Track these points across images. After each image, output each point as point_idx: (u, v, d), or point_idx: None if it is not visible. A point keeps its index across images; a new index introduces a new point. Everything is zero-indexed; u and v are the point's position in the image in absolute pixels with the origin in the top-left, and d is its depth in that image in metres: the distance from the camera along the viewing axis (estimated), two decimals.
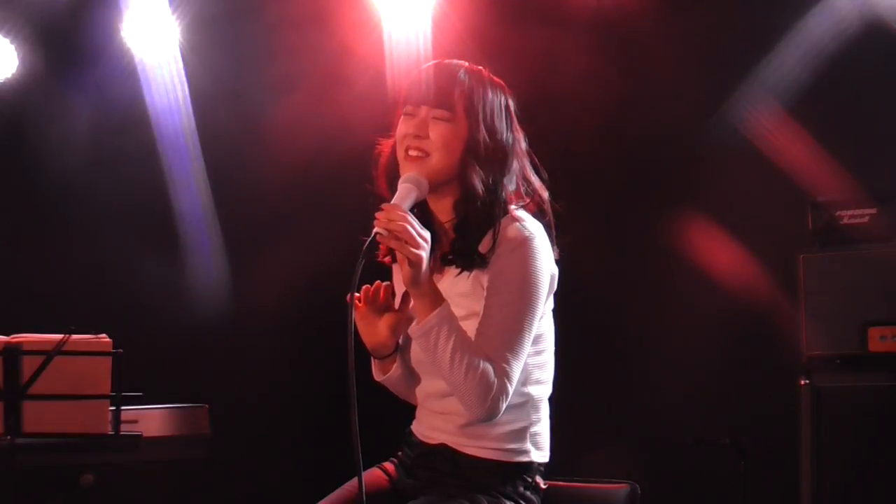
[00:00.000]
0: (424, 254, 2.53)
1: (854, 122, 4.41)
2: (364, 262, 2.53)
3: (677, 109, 4.68)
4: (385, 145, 2.82)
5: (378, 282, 2.76)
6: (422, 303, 2.59)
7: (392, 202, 2.60)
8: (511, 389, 2.61)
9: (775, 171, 4.45)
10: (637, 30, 4.73)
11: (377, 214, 2.54)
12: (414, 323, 2.63)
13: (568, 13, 4.75)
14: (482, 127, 2.71)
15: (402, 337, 2.83)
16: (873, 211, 4.00)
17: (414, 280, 2.55)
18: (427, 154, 2.69)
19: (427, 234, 2.56)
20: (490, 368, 2.58)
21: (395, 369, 2.84)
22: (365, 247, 2.52)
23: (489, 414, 2.61)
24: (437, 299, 2.59)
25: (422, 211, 2.74)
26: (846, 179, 4.21)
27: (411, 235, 2.52)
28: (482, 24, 4.80)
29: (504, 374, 2.59)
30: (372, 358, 2.85)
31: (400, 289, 2.83)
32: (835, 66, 4.41)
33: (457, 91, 2.71)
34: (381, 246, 2.76)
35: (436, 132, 2.70)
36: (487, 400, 2.58)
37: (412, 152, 2.70)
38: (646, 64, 4.76)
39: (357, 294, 2.71)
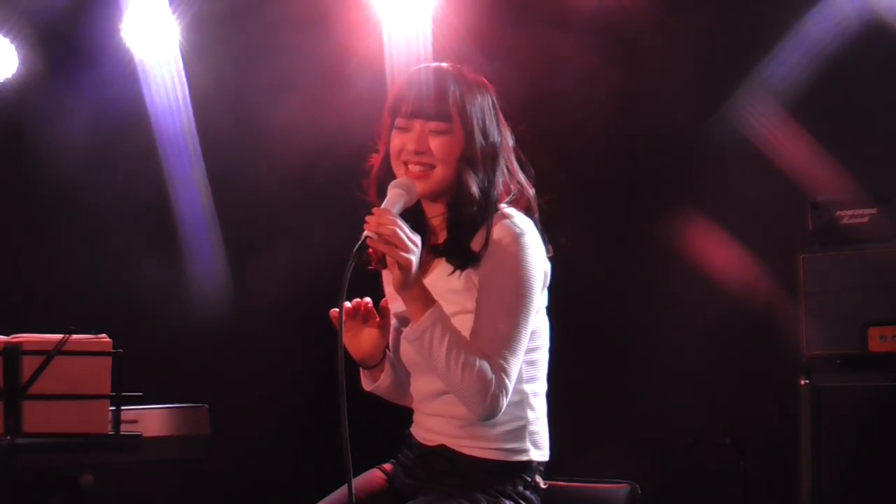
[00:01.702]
0: (414, 258, 2.54)
1: (854, 122, 4.41)
2: (354, 264, 2.53)
3: (677, 109, 4.68)
4: (375, 159, 2.82)
5: (357, 299, 2.76)
6: (413, 306, 2.59)
7: (382, 206, 2.60)
8: (510, 385, 2.61)
9: (775, 171, 4.45)
10: (637, 30, 4.72)
11: (367, 218, 2.55)
12: (408, 326, 2.63)
13: (568, 13, 4.75)
14: (477, 132, 2.72)
15: (390, 341, 2.84)
16: (873, 211, 4.00)
17: (404, 283, 2.55)
18: (431, 167, 2.70)
19: (417, 238, 2.56)
20: (487, 366, 2.58)
21: (384, 378, 2.85)
22: (355, 249, 2.53)
23: (490, 412, 2.60)
24: (427, 301, 2.59)
25: (413, 206, 2.73)
26: (846, 179, 4.21)
27: (401, 239, 2.52)
28: (482, 25, 4.80)
29: (501, 370, 2.59)
30: (360, 369, 2.86)
31: (392, 293, 2.84)
32: (835, 66, 4.40)
33: (450, 100, 2.70)
34: (370, 252, 2.77)
35: (436, 145, 2.70)
36: (487, 398, 2.58)
37: (414, 168, 2.70)
38: (646, 64, 4.76)
39: (346, 304, 2.71)
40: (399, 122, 2.73)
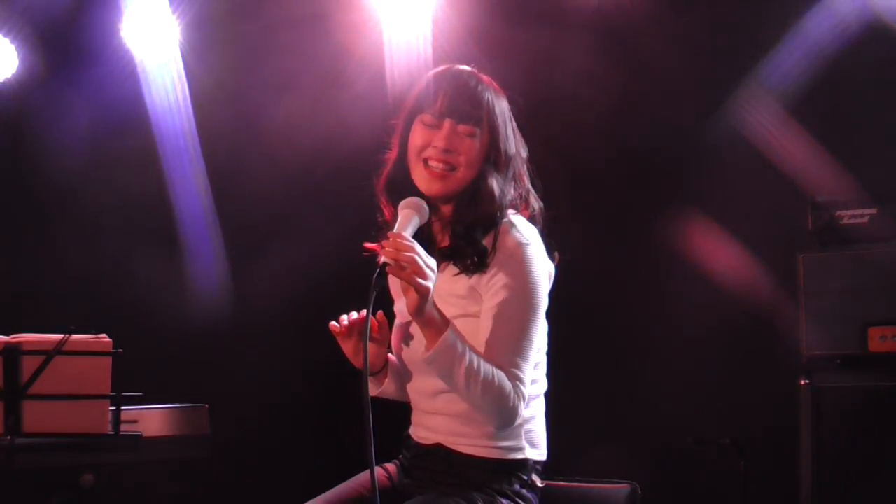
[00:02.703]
0: (431, 284, 2.55)
1: (854, 122, 4.41)
2: (376, 293, 2.53)
3: (677, 109, 4.68)
4: (389, 155, 2.82)
5: (354, 316, 2.75)
6: (428, 330, 2.60)
7: (396, 229, 2.61)
8: (526, 392, 2.64)
9: (775, 171, 4.45)
10: (637, 30, 4.72)
11: (384, 243, 2.55)
12: (423, 349, 2.64)
13: (568, 13, 4.75)
14: (500, 139, 2.74)
15: (393, 340, 2.84)
16: (873, 211, 4.00)
17: (419, 309, 2.56)
18: (454, 168, 2.70)
19: (433, 263, 2.57)
20: (504, 377, 2.61)
21: (388, 384, 2.88)
22: (375, 277, 2.52)
23: (509, 422, 2.66)
24: (442, 325, 2.60)
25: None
26: (846, 179, 4.21)
27: (419, 267, 2.53)
28: (482, 25, 4.80)
29: (517, 380, 2.62)
30: None
31: (396, 290, 2.84)
32: (835, 66, 4.41)
33: (483, 106, 2.72)
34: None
35: (465, 147, 2.71)
36: (506, 410, 2.62)
37: (437, 165, 2.71)
38: (646, 64, 4.76)
39: (344, 318, 2.73)
40: (426, 118, 2.74)
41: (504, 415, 2.62)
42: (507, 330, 2.64)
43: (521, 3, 4.93)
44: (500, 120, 2.74)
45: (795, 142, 4.45)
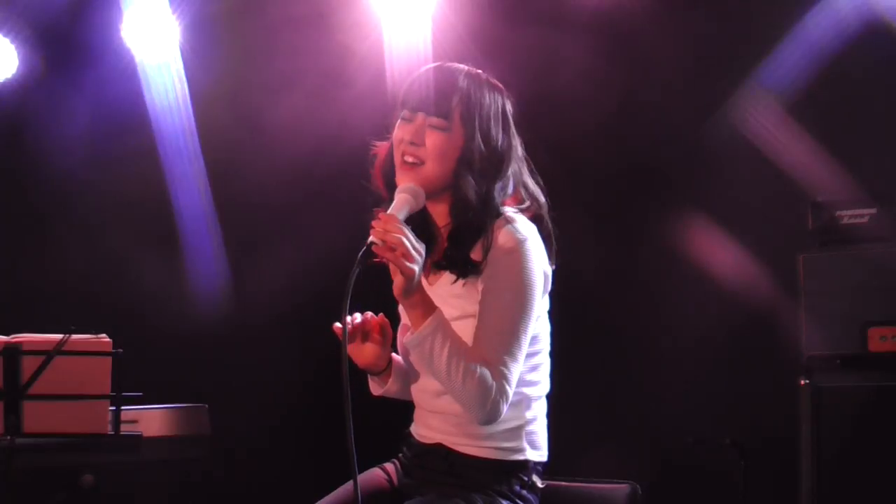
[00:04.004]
0: (417, 267, 2.54)
1: (854, 122, 4.41)
2: (359, 270, 2.53)
3: (677, 109, 4.68)
4: (381, 147, 2.83)
5: (358, 317, 2.75)
6: (413, 313, 2.61)
7: (388, 212, 2.60)
8: (511, 391, 2.62)
9: (775, 171, 4.45)
10: (637, 30, 4.73)
11: (373, 223, 2.55)
12: (408, 333, 2.64)
13: (568, 13, 4.75)
14: (478, 135, 2.71)
15: (398, 340, 2.85)
16: (873, 211, 4.00)
17: (405, 291, 2.56)
18: (422, 162, 2.70)
19: (422, 248, 2.57)
20: (487, 372, 2.59)
21: (392, 384, 2.87)
22: (360, 255, 2.53)
23: (490, 417, 2.62)
24: (428, 308, 2.60)
25: (420, 213, 2.73)
26: (846, 179, 4.21)
27: (406, 248, 2.53)
28: (482, 24, 4.80)
29: (502, 377, 2.60)
30: (368, 375, 2.88)
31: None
32: (835, 66, 4.41)
33: (454, 99, 2.71)
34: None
35: (431, 141, 2.70)
36: (487, 403, 2.60)
37: (407, 158, 2.71)
38: (646, 64, 4.76)
39: (357, 315, 2.72)
40: (404, 113, 2.75)
41: (485, 409, 2.60)
42: (495, 326, 2.63)
43: (521, 3, 4.93)
44: (477, 113, 2.71)
45: (795, 142, 4.45)
